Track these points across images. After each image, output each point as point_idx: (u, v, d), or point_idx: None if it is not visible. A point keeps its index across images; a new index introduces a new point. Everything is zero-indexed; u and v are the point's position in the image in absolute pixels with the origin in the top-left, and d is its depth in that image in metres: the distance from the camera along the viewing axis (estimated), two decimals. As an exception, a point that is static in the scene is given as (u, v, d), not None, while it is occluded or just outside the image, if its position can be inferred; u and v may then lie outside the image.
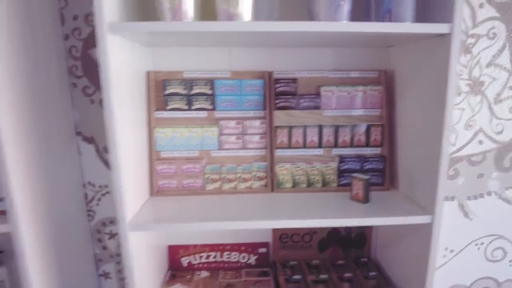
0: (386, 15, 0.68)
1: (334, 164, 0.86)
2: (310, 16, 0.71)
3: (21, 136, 0.69)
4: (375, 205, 0.77)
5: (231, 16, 0.64)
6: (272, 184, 0.85)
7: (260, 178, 0.85)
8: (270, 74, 0.85)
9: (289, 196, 0.83)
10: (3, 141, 0.64)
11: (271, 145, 0.85)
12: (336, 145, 0.86)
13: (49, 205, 0.78)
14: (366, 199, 0.77)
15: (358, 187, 0.78)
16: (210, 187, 0.84)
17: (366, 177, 0.77)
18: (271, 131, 0.85)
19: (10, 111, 0.66)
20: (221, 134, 0.84)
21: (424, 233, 0.74)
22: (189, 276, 0.93)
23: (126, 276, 0.70)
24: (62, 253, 0.82)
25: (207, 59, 0.87)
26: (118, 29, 0.60)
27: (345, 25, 0.64)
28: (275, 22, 0.61)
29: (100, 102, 0.88)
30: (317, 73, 0.87)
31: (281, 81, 0.85)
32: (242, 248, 0.97)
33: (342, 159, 0.86)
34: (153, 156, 0.83)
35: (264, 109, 0.85)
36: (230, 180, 0.85)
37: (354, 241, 0.99)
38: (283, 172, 0.85)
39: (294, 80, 0.86)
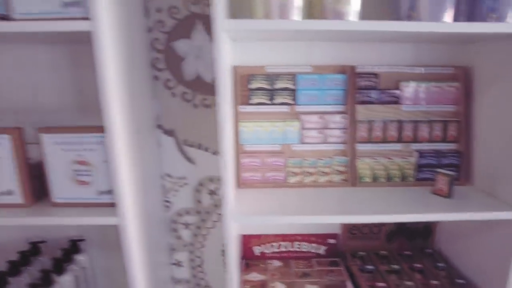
0: (492, 14, 0.68)
1: (412, 159, 0.87)
2: (399, 14, 0.72)
3: (123, 128, 0.71)
4: (458, 200, 0.78)
5: (340, 15, 0.65)
6: (353, 178, 0.87)
7: (340, 172, 0.87)
8: (352, 68, 0.85)
9: (370, 190, 0.84)
10: (114, 132, 0.65)
11: (352, 140, 0.86)
12: (414, 140, 0.88)
13: (140, 196, 0.80)
14: (449, 194, 0.79)
15: (442, 182, 0.80)
16: (292, 180, 0.86)
17: (452, 173, 0.79)
18: (352, 125, 0.86)
19: (116, 104, 0.67)
20: (302, 128, 0.86)
21: (508, 229, 0.76)
22: (262, 265, 0.96)
23: (226, 264, 0.73)
24: (149, 243, 0.85)
25: (288, 53, 0.87)
26: (236, 26, 0.60)
27: (465, 26, 0.63)
28: (392, 22, 0.62)
29: (182, 95, 0.89)
30: (397, 68, 0.87)
31: (362, 75, 0.86)
32: (312, 239, 1.00)
33: (420, 154, 0.87)
34: (238, 149, 0.85)
35: (345, 103, 0.86)
36: (310, 174, 0.86)
37: (420, 233, 1.01)
38: (363, 166, 0.87)
39: (375, 75, 0.86)
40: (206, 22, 0.84)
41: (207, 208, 0.97)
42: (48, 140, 0.71)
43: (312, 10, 0.69)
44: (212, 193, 0.96)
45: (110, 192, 0.73)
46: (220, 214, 0.98)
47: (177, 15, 0.83)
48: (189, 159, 0.93)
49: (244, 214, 0.71)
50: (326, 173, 0.87)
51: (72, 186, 0.73)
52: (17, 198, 0.74)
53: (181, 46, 0.86)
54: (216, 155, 0.93)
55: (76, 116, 0.88)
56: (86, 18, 0.61)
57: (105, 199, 0.73)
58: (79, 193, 0.73)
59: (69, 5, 0.62)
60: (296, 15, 0.65)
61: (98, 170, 0.72)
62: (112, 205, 0.73)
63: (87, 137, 0.70)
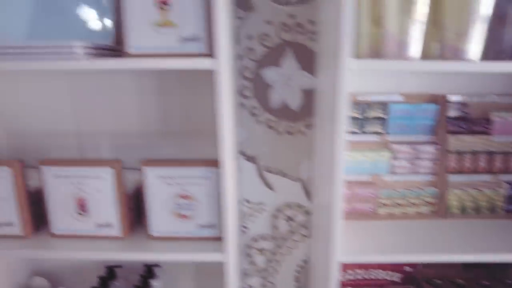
0: None
1: (502, 191, 0.86)
2: (498, 47, 0.70)
3: (232, 160, 0.70)
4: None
5: (460, 52, 0.63)
6: (442, 210, 0.85)
7: (430, 204, 0.85)
8: (443, 98, 0.84)
9: (461, 223, 0.83)
10: (227, 166, 0.64)
11: (442, 170, 0.84)
12: (505, 171, 0.86)
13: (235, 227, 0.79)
14: (549, 230, 0.77)
15: (542, 218, 0.78)
16: (382, 211, 0.85)
17: (553, 208, 0.77)
18: (443, 156, 0.84)
19: (228, 138, 0.66)
20: (393, 158, 0.84)
21: None
22: (339, 293, 0.95)
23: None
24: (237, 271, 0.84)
25: (377, 81, 0.85)
26: (364, 66, 0.59)
27: None
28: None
29: (266, 122, 0.87)
30: (488, 98, 0.85)
31: (453, 105, 0.84)
32: (388, 266, 0.98)
33: (511, 185, 0.85)
34: (328, 180, 0.83)
35: (436, 133, 0.84)
36: (400, 205, 0.85)
37: (500, 263, 0.99)
38: (452, 197, 0.85)
39: (465, 105, 0.84)
40: (297, 50, 0.82)
41: (283, 234, 0.96)
42: (151, 174, 0.70)
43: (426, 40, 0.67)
44: (289, 219, 0.94)
45: (210, 226, 0.72)
46: (296, 240, 0.96)
47: (268, 43, 0.82)
48: (268, 185, 0.92)
49: (349, 251, 0.70)
50: (415, 204, 0.85)
51: (171, 219, 0.72)
52: (116, 230, 0.73)
53: (270, 74, 0.84)
54: (295, 182, 0.92)
55: (158, 142, 0.87)
56: (205, 55, 0.60)
57: (205, 233, 0.72)
58: (178, 227, 0.72)
59: (188, 40, 0.61)
60: (414, 52, 0.64)
61: (200, 203, 0.71)
62: (212, 239, 0.72)
63: (192, 171, 0.69)
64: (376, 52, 0.67)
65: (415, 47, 0.63)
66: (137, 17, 0.61)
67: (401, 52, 0.63)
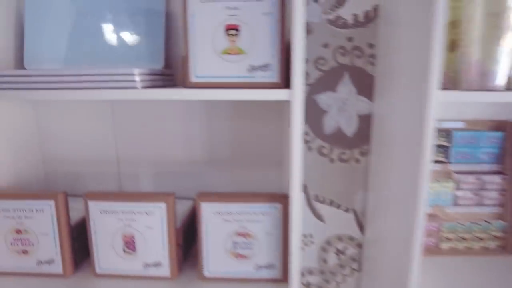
0: None
1: None
2: None
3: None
4: None
5: (550, 80, 0.58)
6: (511, 245, 0.79)
7: (497, 238, 0.79)
8: (511, 124, 0.78)
9: (533, 259, 0.77)
10: (296, 200, 0.59)
11: (511, 202, 0.79)
12: None
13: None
14: None
15: None
16: (445, 246, 0.79)
17: None
18: (511, 186, 0.78)
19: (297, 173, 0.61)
20: (456, 189, 0.78)
21: None
22: (393, 333, 0.88)
23: None
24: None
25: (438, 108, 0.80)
26: (450, 99, 0.54)
27: None
28: None
29: (318, 149, 0.82)
30: (555, 124, 0.80)
31: (521, 132, 0.79)
32: (445, 302, 0.91)
33: None
34: (389, 212, 0.77)
35: (503, 162, 0.79)
36: (464, 239, 0.79)
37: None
38: (521, 231, 0.79)
39: (533, 132, 0.79)
40: (354, 74, 0.78)
41: (332, 268, 0.89)
42: (208, 210, 0.64)
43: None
44: (339, 252, 0.88)
45: (269, 266, 0.66)
46: (345, 275, 0.90)
47: (323, 66, 0.77)
48: (318, 216, 0.86)
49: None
50: (481, 239, 0.79)
51: (227, 259, 0.66)
52: (165, 270, 0.67)
53: (324, 99, 0.79)
54: (348, 213, 0.86)
55: (204, 171, 0.82)
56: (275, 84, 0.56)
57: (263, 274, 0.66)
58: (234, 267, 0.66)
59: (258, 68, 0.56)
60: (498, 81, 0.59)
61: (259, 242, 0.65)
62: (271, 281, 0.66)
63: (253, 207, 0.63)
64: (453, 79, 0.63)
65: (500, 76, 0.59)
66: (203, 44, 0.56)
67: (484, 82, 0.58)
